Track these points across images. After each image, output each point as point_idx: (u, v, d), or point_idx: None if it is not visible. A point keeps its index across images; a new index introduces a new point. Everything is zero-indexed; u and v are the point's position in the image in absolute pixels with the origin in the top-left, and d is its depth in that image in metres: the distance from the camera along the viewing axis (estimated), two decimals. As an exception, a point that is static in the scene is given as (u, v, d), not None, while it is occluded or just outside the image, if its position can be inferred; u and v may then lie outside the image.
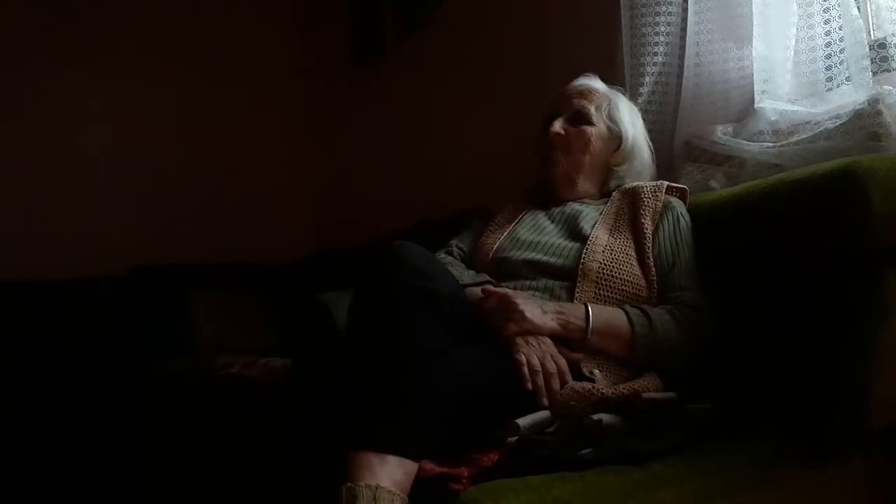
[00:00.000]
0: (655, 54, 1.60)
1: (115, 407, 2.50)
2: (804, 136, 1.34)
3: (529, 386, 1.02)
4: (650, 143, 1.48)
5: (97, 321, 2.75)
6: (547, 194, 1.46)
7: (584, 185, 1.43)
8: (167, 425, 2.36)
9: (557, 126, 1.41)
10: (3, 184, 2.91)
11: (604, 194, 1.45)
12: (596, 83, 1.47)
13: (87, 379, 2.57)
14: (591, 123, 1.41)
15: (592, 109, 1.42)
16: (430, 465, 0.87)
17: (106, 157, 3.14)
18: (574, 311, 1.13)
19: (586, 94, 1.44)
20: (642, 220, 1.28)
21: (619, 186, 1.42)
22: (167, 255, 3.01)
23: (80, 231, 2.99)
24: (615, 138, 1.42)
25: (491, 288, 1.17)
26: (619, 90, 1.50)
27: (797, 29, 1.41)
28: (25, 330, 2.64)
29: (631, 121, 1.44)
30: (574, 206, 1.40)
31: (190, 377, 2.41)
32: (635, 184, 1.39)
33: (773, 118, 1.42)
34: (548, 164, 1.43)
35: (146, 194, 3.18)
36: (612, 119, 1.42)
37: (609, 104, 1.43)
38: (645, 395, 1.01)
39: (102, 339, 2.71)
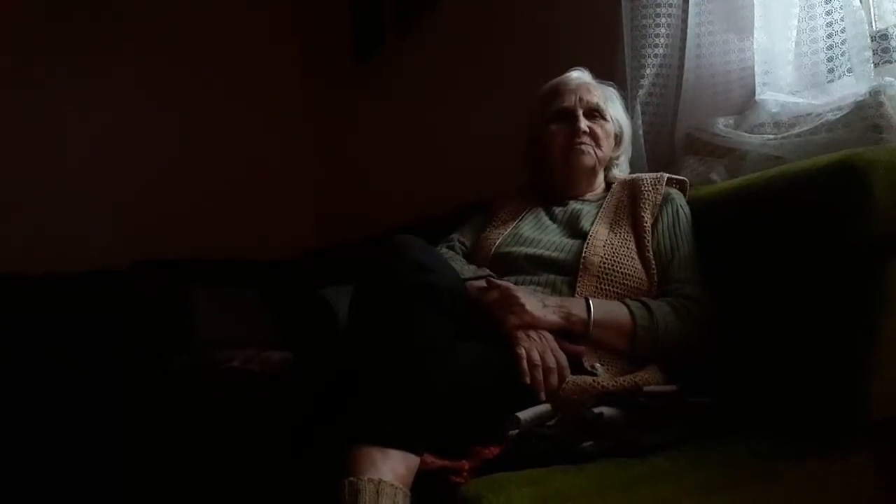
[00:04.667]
0: (656, 46, 1.59)
1: (115, 402, 2.50)
2: (805, 127, 1.33)
3: (528, 380, 1.02)
4: None
5: (97, 316, 2.74)
6: (548, 192, 1.47)
7: (600, 178, 1.47)
8: (168, 421, 2.36)
9: (584, 123, 1.40)
10: (2, 179, 2.90)
11: (606, 186, 1.46)
12: (591, 78, 1.49)
13: (86, 374, 2.57)
14: (605, 119, 1.43)
15: (603, 104, 1.43)
16: (431, 459, 0.87)
17: (106, 153, 3.13)
18: (575, 305, 1.13)
19: (591, 88, 1.45)
20: (642, 214, 1.29)
21: (615, 176, 1.46)
22: (167, 250, 3.00)
23: (79, 226, 2.99)
24: (616, 132, 1.46)
25: (494, 280, 1.18)
26: (607, 84, 1.50)
27: (798, 20, 1.40)
28: (25, 325, 2.64)
29: (623, 113, 1.48)
30: (575, 205, 1.41)
31: (190, 372, 2.41)
32: (635, 176, 1.40)
33: (774, 110, 1.41)
34: (576, 156, 1.40)
35: (147, 190, 3.18)
36: (613, 113, 1.45)
37: (606, 98, 1.45)
38: (646, 388, 1.01)
39: (102, 334, 2.70)
